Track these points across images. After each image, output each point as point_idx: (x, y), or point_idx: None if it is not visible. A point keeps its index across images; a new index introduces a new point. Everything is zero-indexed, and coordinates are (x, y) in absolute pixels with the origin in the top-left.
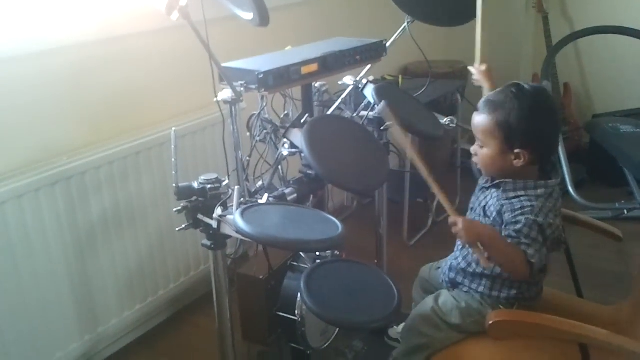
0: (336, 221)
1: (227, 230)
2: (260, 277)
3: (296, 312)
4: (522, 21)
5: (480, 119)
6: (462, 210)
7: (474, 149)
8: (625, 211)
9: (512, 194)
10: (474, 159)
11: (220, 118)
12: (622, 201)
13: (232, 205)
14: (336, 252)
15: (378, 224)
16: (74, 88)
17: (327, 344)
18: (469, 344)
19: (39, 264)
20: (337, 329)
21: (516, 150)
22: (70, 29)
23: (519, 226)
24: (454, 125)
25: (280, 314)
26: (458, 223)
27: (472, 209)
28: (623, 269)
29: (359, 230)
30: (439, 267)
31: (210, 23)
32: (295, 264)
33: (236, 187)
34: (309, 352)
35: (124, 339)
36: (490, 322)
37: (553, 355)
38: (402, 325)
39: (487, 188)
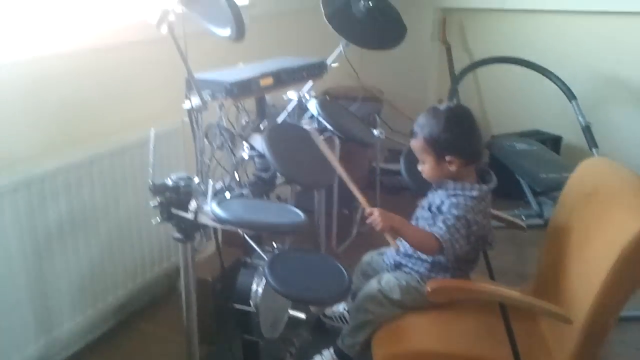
0: (298, 211)
1: (204, 219)
2: (209, 279)
3: (251, 302)
4: (428, 52)
5: (414, 142)
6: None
7: (420, 167)
8: (523, 217)
9: (452, 192)
10: (423, 175)
11: (174, 128)
12: (520, 208)
13: (206, 200)
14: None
15: (318, 234)
16: (34, 99)
17: (277, 334)
18: (408, 317)
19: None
20: (287, 320)
21: (447, 158)
22: (28, 43)
23: (448, 216)
24: (383, 137)
25: (236, 306)
26: (374, 212)
27: (422, 207)
28: (520, 269)
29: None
30: (381, 253)
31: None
32: (248, 260)
33: (210, 182)
34: (260, 343)
35: (76, 344)
36: (429, 289)
37: (476, 320)
38: (338, 305)
39: (436, 190)
